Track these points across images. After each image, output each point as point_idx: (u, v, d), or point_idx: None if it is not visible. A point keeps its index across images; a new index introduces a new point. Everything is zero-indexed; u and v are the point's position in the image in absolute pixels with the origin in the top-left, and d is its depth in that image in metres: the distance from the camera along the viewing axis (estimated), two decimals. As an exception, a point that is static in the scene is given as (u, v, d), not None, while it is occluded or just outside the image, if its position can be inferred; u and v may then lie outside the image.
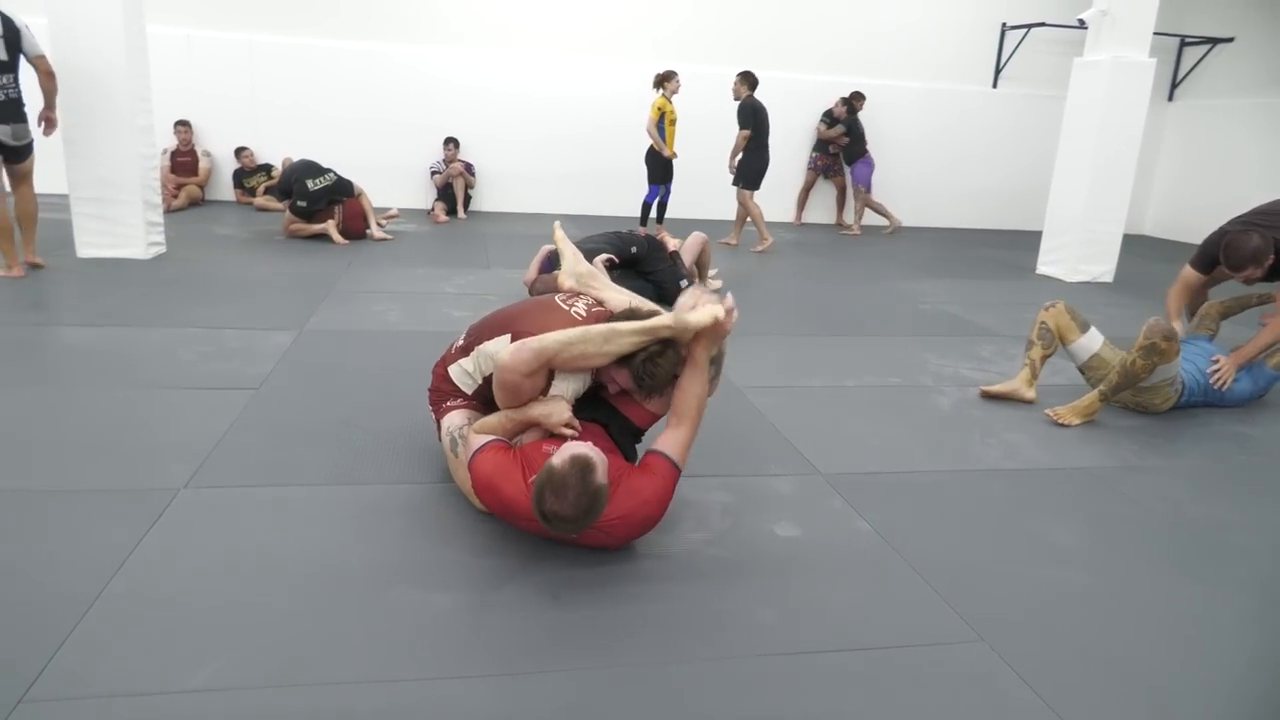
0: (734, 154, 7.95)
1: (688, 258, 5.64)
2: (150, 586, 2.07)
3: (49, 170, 6.70)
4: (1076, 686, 1.91)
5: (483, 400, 2.64)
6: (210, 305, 4.78)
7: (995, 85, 10.72)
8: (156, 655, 1.82)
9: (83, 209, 5.77)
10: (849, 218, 10.30)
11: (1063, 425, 3.61)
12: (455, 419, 2.61)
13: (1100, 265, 7.31)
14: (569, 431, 2.41)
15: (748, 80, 7.90)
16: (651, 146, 7.97)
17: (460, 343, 2.74)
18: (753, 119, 7.81)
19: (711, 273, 6.02)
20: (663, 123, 7.85)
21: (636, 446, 2.61)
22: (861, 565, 2.39)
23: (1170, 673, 1.99)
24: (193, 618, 1.96)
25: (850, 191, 10.08)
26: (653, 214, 8.24)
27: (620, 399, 2.55)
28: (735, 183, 8.01)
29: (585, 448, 2.14)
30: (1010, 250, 8.86)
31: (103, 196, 5.74)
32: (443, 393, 2.73)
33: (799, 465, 3.05)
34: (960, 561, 2.44)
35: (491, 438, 2.40)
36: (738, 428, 3.35)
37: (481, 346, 2.61)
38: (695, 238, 5.80)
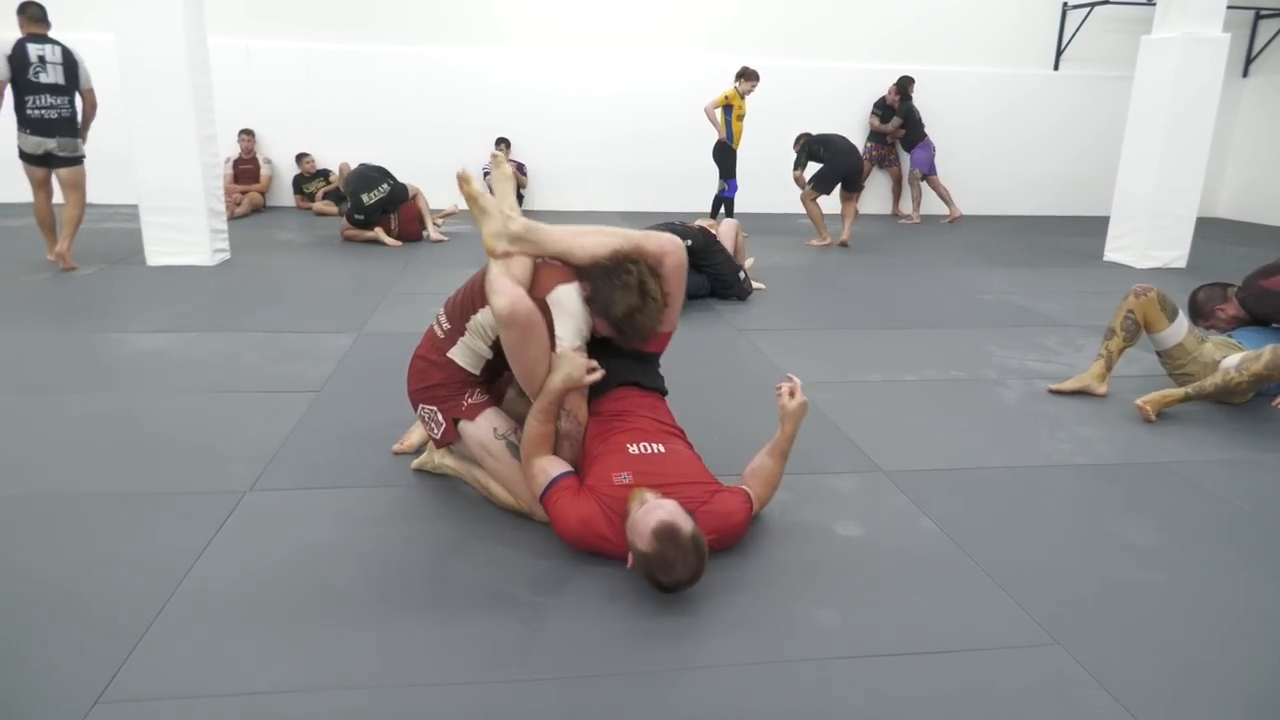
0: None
1: (726, 246, 5.59)
2: (219, 588, 2.11)
3: (120, 181, 6.95)
4: (1156, 692, 1.83)
5: (492, 373, 2.57)
6: (273, 309, 4.89)
7: (1057, 67, 10.40)
8: (226, 656, 1.85)
9: (151, 218, 5.95)
10: (905, 207, 10.10)
11: (1147, 420, 3.45)
12: (493, 421, 2.49)
13: (1172, 250, 7.04)
14: (595, 376, 2.40)
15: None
16: (719, 143, 7.92)
17: (447, 327, 2.53)
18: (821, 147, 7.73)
19: (748, 262, 5.96)
20: (729, 115, 7.80)
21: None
22: (926, 565, 2.33)
23: (1255, 679, 1.89)
24: (260, 619, 1.99)
25: (907, 180, 9.87)
26: (720, 208, 8.22)
27: None
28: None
29: (657, 514, 2.04)
30: (1076, 237, 8.58)
31: (169, 206, 5.92)
32: (448, 385, 2.50)
33: (860, 462, 2.98)
34: (1031, 561, 2.36)
35: (557, 473, 2.30)
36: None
37: (474, 320, 2.46)
38: (728, 224, 5.75)
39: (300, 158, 9.16)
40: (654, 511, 2.06)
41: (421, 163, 8.86)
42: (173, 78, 5.73)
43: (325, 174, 9.20)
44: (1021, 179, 10.51)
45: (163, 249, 5.99)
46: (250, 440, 3.00)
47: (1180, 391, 3.48)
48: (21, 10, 5.52)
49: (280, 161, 9.30)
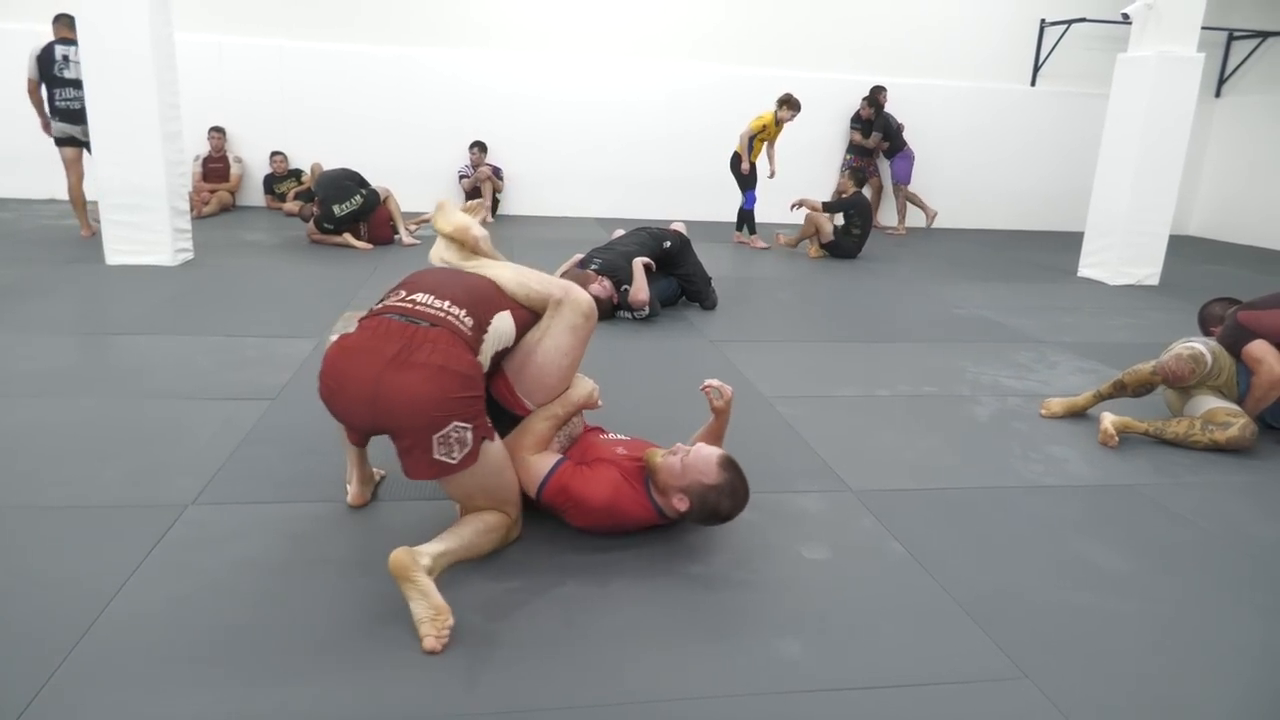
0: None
1: None
2: (149, 610, 1.99)
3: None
4: (1129, 730, 1.76)
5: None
6: (233, 313, 4.75)
7: (1034, 83, 10.45)
8: (151, 685, 1.74)
9: (111, 215, 5.78)
10: (886, 219, 10.07)
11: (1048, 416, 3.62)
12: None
13: (1145, 268, 7.06)
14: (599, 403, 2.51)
15: (854, 176, 7.89)
16: (736, 155, 7.97)
17: (470, 324, 2.15)
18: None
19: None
20: (753, 139, 7.87)
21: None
22: (894, 591, 2.25)
23: (1226, 714, 1.83)
24: (190, 645, 1.87)
25: (891, 190, 9.83)
26: (747, 221, 8.26)
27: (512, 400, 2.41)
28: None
29: (711, 449, 2.28)
30: (1050, 253, 8.60)
31: (130, 203, 5.74)
32: (481, 396, 2.15)
33: (828, 481, 2.91)
34: (1000, 587, 2.29)
35: (555, 459, 2.34)
36: (764, 440, 3.22)
37: (493, 325, 2.23)
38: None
39: (272, 156, 9.00)
40: (704, 449, 2.26)
41: (396, 164, 8.75)
42: (136, 71, 5.56)
43: (298, 174, 9.05)
44: (998, 193, 10.55)
45: (122, 248, 5.81)
46: (197, 450, 2.88)
47: (1142, 425, 3.42)
48: (58, 19, 6.48)
49: (252, 161, 9.13)
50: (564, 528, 2.39)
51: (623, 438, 2.60)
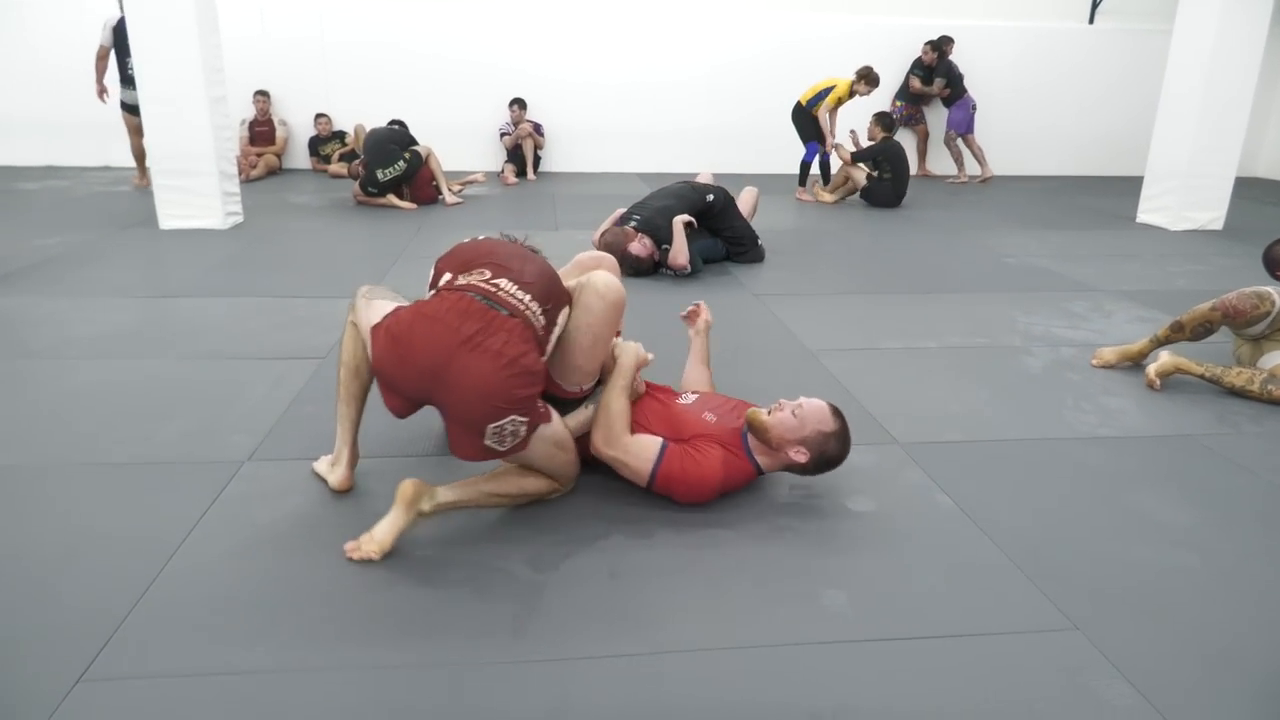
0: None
1: (746, 212, 5.46)
2: (210, 562, 2.06)
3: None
4: (1180, 682, 1.74)
5: None
6: (283, 274, 4.83)
7: (1092, 20, 10.02)
8: (212, 634, 1.81)
9: (163, 181, 5.89)
10: (934, 166, 9.80)
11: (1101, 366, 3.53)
12: (555, 413, 2.33)
13: (1209, 212, 6.79)
14: (652, 357, 2.56)
15: (881, 122, 7.66)
16: (799, 107, 7.83)
17: (543, 321, 2.17)
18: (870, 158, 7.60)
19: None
20: (824, 96, 7.68)
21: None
22: (942, 543, 2.23)
23: (1292, 669, 1.79)
24: (250, 595, 1.94)
25: (944, 141, 9.51)
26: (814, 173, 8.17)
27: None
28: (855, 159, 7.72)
29: (816, 400, 2.37)
30: (1108, 198, 8.32)
31: (181, 168, 5.84)
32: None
33: (875, 434, 2.88)
34: (1052, 540, 2.26)
35: (659, 443, 2.32)
36: (809, 394, 3.18)
37: (559, 324, 2.28)
38: (749, 192, 5.61)
39: (316, 118, 9.05)
40: (813, 401, 2.36)
41: (437, 122, 8.73)
42: (181, 36, 5.60)
43: (341, 135, 9.10)
44: (1053, 138, 10.16)
45: (175, 212, 5.93)
46: (251, 409, 2.95)
47: (1199, 368, 3.30)
48: None
49: (296, 123, 9.20)
50: (609, 478, 2.41)
51: (693, 399, 2.56)
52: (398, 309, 2.13)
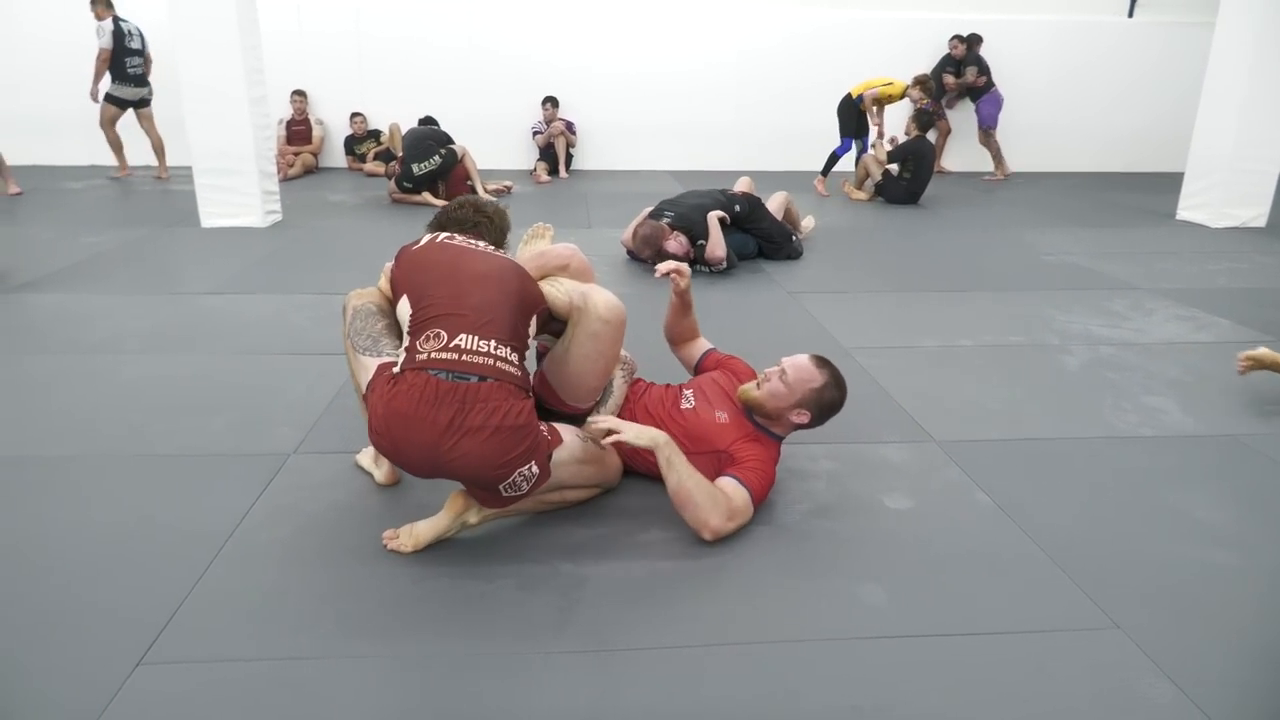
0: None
1: (776, 212, 5.47)
2: (261, 552, 2.12)
3: (176, 144, 7.12)
4: (1222, 680, 1.73)
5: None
6: (322, 271, 4.91)
7: (1131, 14, 9.86)
8: (266, 620, 1.86)
9: (205, 180, 6.01)
10: (950, 163, 9.67)
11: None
12: (571, 431, 2.28)
13: (1251, 209, 6.66)
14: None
15: (919, 120, 7.66)
16: (848, 99, 7.96)
17: (515, 360, 2.10)
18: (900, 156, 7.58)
19: (807, 221, 5.86)
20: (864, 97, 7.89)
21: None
22: (980, 541, 2.24)
23: (1339, 670, 1.77)
24: (299, 585, 1.99)
25: (978, 139, 9.40)
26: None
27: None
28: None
29: (799, 358, 2.37)
30: (1148, 195, 8.19)
31: (222, 168, 5.96)
32: (536, 427, 2.13)
33: (911, 431, 2.88)
34: (1091, 539, 2.25)
35: (742, 482, 2.24)
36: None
37: (531, 332, 2.27)
38: (777, 197, 5.61)
39: (352, 118, 9.17)
40: (795, 359, 2.36)
41: (470, 121, 8.79)
42: (222, 37, 5.72)
43: (376, 134, 9.21)
44: (1090, 134, 10.01)
45: (216, 211, 6.05)
46: (295, 403, 3.02)
47: None
48: (97, 1, 7.51)
49: (332, 122, 9.33)
50: (649, 476, 2.44)
51: (694, 399, 2.48)
52: (376, 378, 2.08)
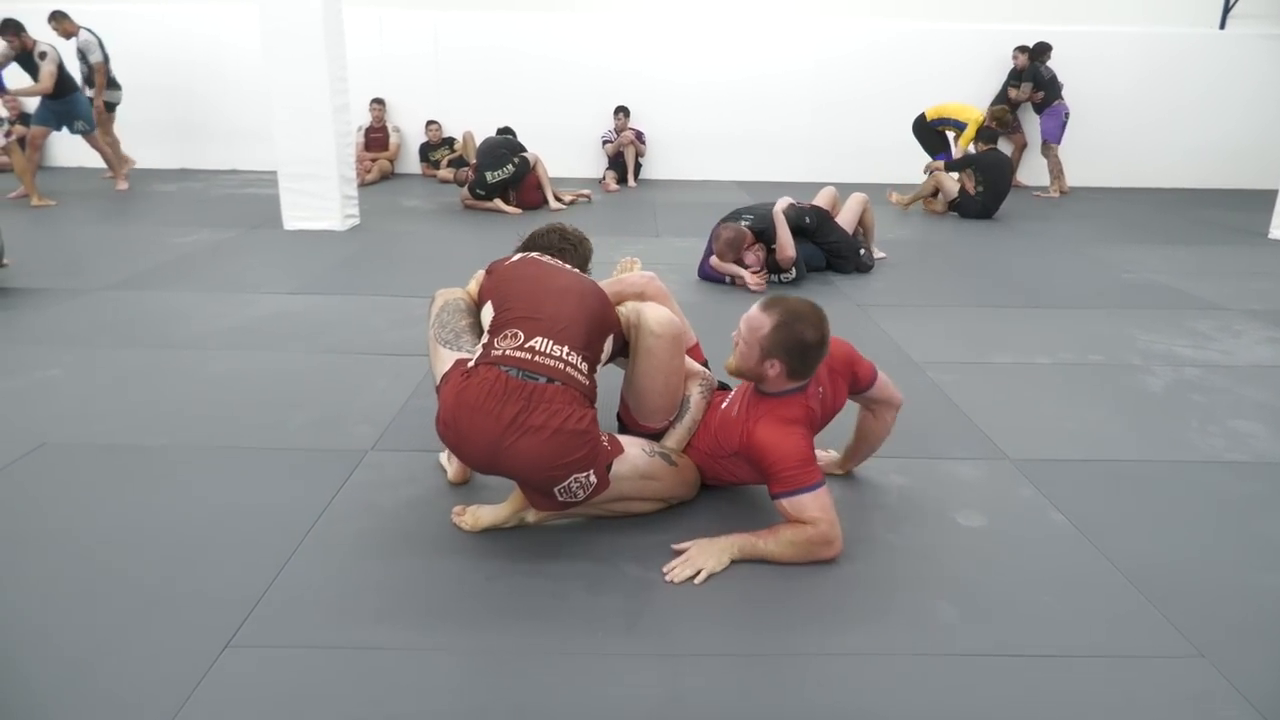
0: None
1: (849, 221, 5.40)
2: (341, 542, 2.19)
3: (261, 150, 7.40)
4: (1320, 718, 1.66)
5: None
6: (399, 274, 5.05)
7: (1223, 26, 9.52)
8: (346, 610, 1.93)
9: (289, 184, 6.24)
10: (1026, 177, 9.43)
11: None
12: (637, 444, 2.31)
13: (1350, 228, 6.37)
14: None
15: (982, 135, 7.69)
16: (922, 120, 8.14)
17: (585, 369, 2.15)
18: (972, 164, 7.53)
19: (879, 254, 5.73)
20: (952, 123, 8.03)
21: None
22: (1056, 562, 2.18)
23: None
24: (376, 577, 2.06)
25: (1040, 149, 9.18)
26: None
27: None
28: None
29: (749, 311, 2.21)
30: (1238, 212, 7.88)
31: (305, 173, 6.17)
32: (597, 437, 2.14)
33: (985, 449, 2.83)
34: (1174, 563, 2.18)
35: (815, 488, 2.13)
36: (917, 406, 3.14)
37: (605, 352, 2.30)
38: (854, 199, 5.55)
39: (428, 125, 9.40)
40: (743, 318, 2.20)
41: (541, 130, 8.91)
42: (309, 47, 5.94)
43: (450, 142, 9.42)
44: (1179, 148, 9.64)
45: (298, 214, 6.27)
46: (373, 401, 3.11)
47: None
48: (64, 17, 7.64)
49: (408, 130, 9.57)
50: (726, 482, 2.45)
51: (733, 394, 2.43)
52: (453, 370, 2.14)
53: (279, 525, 2.25)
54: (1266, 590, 2.08)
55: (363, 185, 8.30)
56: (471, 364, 2.12)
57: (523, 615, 1.93)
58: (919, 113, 8.09)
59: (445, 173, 9.06)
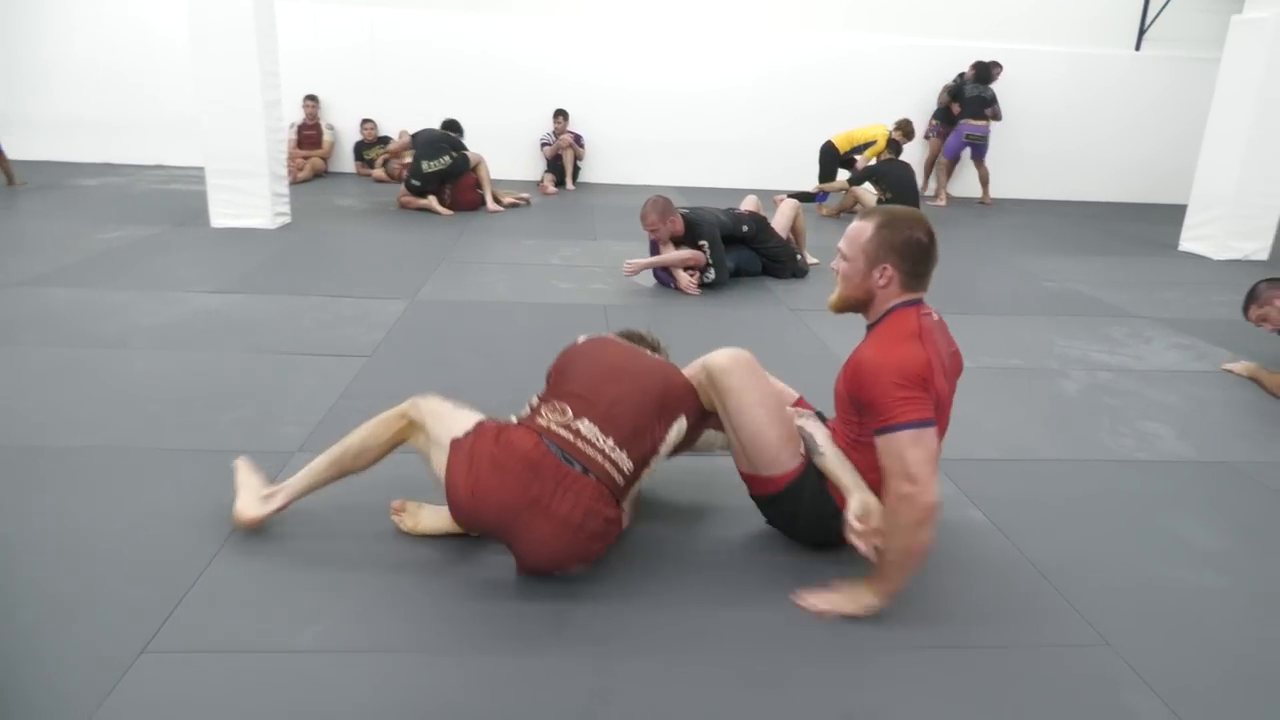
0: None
1: (782, 227, 5.49)
2: (265, 545, 2.15)
3: (189, 145, 7.19)
4: (1212, 700, 1.75)
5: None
6: (329, 274, 4.96)
7: (1139, 47, 9.95)
8: (269, 613, 1.89)
9: (216, 181, 6.07)
10: (962, 189, 9.71)
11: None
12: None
13: (1254, 242, 6.72)
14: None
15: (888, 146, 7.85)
16: (830, 147, 8.22)
17: (629, 466, 2.04)
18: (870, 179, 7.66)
19: (812, 259, 5.83)
20: (863, 149, 8.04)
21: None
22: (973, 557, 2.26)
23: (1325, 694, 1.80)
24: (302, 578, 2.02)
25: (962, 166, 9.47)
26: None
27: None
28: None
29: (851, 225, 2.10)
30: (1152, 225, 8.25)
31: (234, 169, 6.02)
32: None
33: (909, 449, 2.91)
34: (1084, 558, 2.28)
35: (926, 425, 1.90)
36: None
37: (666, 441, 2.13)
38: (786, 205, 5.65)
39: (363, 124, 9.25)
40: (849, 229, 2.11)
41: (480, 131, 8.83)
42: (240, 41, 5.79)
43: (386, 141, 9.28)
44: (1096, 164, 10.08)
45: (226, 211, 6.11)
46: (301, 402, 3.05)
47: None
48: None
49: (343, 128, 9.41)
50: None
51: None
52: (480, 428, 2.04)
53: (201, 528, 2.20)
54: (1168, 583, 2.18)
55: (294, 183, 8.13)
56: (514, 419, 2.08)
57: (452, 614, 1.92)
58: (827, 140, 8.25)
59: (379, 171, 8.93)
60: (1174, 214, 7.55)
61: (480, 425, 2.05)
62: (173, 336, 3.72)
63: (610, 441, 2.01)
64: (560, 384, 2.15)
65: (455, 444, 2.00)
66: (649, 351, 2.39)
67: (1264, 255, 6.71)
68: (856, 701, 1.71)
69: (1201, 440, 3.11)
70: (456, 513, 2.03)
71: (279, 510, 2.18)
